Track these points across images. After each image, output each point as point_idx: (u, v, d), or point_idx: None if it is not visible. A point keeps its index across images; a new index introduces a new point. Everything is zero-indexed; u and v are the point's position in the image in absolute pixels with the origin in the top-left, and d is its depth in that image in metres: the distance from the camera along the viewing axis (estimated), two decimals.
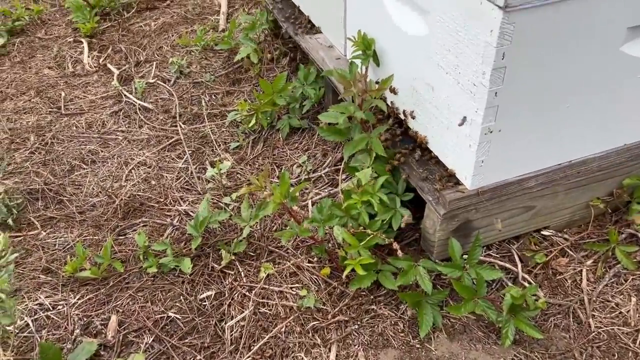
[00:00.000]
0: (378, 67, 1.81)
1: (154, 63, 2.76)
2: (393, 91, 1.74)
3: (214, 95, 2.54)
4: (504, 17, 1.20)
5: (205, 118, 2.39)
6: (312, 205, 1.94)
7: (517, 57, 1.27)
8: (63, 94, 2.58)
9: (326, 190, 2.00)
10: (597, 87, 1.44)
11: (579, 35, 1.31)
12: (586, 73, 1.39)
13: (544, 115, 1.43)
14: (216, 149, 2.24)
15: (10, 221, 1.92)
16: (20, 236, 1.91)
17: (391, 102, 1.78)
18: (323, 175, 2.06)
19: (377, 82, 1.81)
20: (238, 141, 2.26)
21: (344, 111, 1.67)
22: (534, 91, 1.37)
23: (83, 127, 2.38)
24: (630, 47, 1.40)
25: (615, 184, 1.69)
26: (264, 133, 2.29)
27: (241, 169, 2.14)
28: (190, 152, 2.23)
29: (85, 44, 2.91)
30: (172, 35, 2.97)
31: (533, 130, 1.45)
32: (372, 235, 1.49)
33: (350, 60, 1.84)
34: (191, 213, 1.94)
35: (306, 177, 2.07)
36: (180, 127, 2.35)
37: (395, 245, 1.46)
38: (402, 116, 1.74)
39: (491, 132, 1.39)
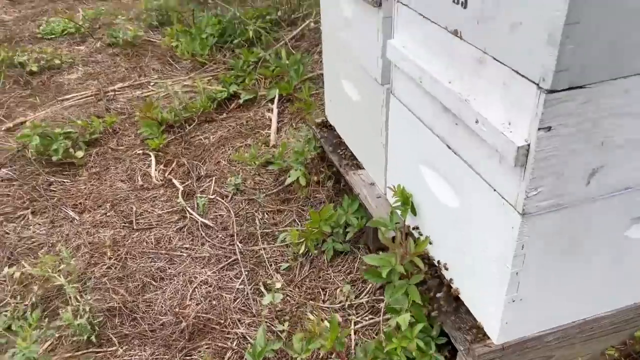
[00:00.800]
0: (415, 216, 2.09)
1: (213, 178, 3.11)
2: (429, 241, 2.01)
3: (266, 214, 2.86)
4: (523, 220, 1.47)
5: (259, 237, 2.70)
6: (355, 333, 2.19)
7: (535, 247, 1.53)
8: (134, 208, 2.94)
9: (367, 318, 2.25)
10: (606, 262, 1.68)
11: (587, 228, 1.56)
12: (596, 253, 1.64)
13: (560, 286, 1.67)
14: (269, 269, 2.53)
15: (93, 338, 2.22)
16: (101, 352, 2.20)
17: (427, 250, 2.05)
18: (364, 302, 2.32)
19: (414, 229, 2.09)
20: (288, 262, 2.55)
21: (386, 264, 1.94)
22: (550, 270, 1.61)
23: (152, 243, 2.72)
24: (633, 231, 1.64)
25: (627, 335, 1.90)
26: (310, 255, 2.58)
27: (290, 291, 2.42)
28: (246, 272, 2.52)
29: (152, 158, 3.30)
30: (229, 150, 3.34)
31: (550, 298, 1.69)
32: None
33: (390, 210, 2.13)
34: (248, 337, 2.21)
35: (349, 303, 2.33)
36: (238, 246, 2.66)
37: None
38: (436, 264, 2.00)
39: (514, 301, 1.64)
